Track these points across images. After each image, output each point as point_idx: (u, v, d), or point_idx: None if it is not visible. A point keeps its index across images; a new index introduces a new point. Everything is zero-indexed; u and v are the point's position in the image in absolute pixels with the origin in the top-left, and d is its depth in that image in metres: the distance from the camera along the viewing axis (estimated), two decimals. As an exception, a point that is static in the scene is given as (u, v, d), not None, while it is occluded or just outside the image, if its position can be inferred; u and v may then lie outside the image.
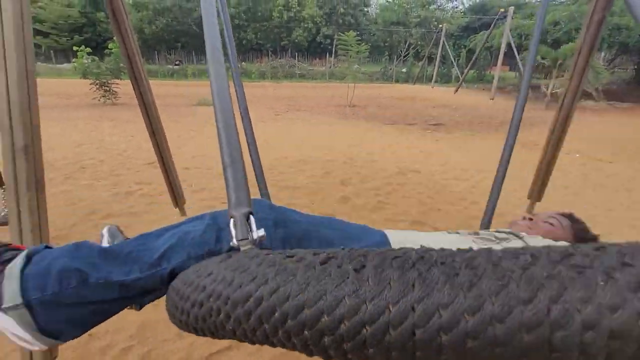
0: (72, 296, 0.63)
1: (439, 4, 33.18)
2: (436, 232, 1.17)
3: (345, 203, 3.44)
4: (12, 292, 0.59)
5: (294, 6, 29.22)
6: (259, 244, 0.56)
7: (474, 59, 16.75)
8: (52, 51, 27.20)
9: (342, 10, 30.40)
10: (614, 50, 17.13)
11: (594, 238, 1.22)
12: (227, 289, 0.47)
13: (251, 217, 0.58)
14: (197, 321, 0.53)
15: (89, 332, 1.70)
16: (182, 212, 3.06)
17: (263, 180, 1.70)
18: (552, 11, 16.42)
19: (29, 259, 0.64)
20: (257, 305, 0.43)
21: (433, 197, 3.66)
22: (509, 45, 14.53)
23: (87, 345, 1.68)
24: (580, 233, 1.19)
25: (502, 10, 14.03)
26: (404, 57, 26.66)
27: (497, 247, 0.52)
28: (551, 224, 1.20)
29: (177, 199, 2.97)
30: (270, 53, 29.54)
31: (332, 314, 0.39)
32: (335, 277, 0.41)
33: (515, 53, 14.93)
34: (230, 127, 0.78)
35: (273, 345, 0.46)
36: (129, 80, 2.40)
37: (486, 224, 1.66)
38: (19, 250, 0.68)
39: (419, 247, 0.52)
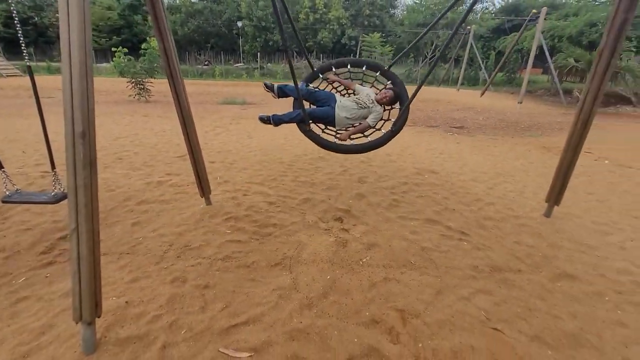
0: (278, 120, 3.12)
1: (468, 5, 32.25)
2: (349, 102, 3.16)
3: (360, 200, 3.56)
4: (271, 120, 3.16)
5: (320, 8, 29.45)
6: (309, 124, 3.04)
7: (502, 61, 16.23)
8: (93, 51, 28.89)
9: (367, 12, 30.29)
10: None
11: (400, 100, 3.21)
12: (307, 133, 3.05)
13: (309, 122, 3.02)
14: (304, 134, 3.05)
15: (125, 299, 1.91)
16: (208, 201, 3.30)
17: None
18: (590, 12, 15.67)
19: (273, 118, 3.15)
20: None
21: (449, 197, 3.69)
22: (540, 47, 14.02)
23: (124, 311, 1.90)
24: (397, 99, 3.20)
25: (534, 11, 13.54)
26: (430, 59, 26.21)
27: (360, 110, 3.16)
28: (387, 96, 3.16)
29: (204, 189, 3.20)
30: (295, 54, 29.92)
31: None
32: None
33: (547, 56, 14.36)
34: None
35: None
36: (161, 79, 2.65)
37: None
38: (269, 116, 3.17)
39: (342, 115, 3.15)
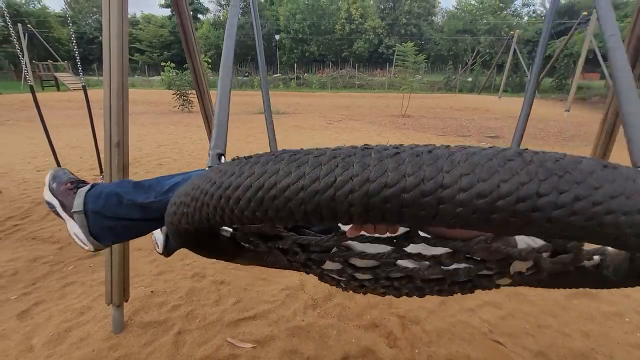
0: (111, 211, 0.95)
1: (513, 9, 30.91)
2: None
3: (378, 208, 3.61)
4: (78, 203, 0.97)
5: (356, 18, 29.82)
6: None
7: (548, 66, 15.30)
8: (146, 66, 31.71)
9: (404, 20, 30.11)
10: None
11: None
12: (208, 185, 0.49)
13: (222, 157, 0.85)
14: (186, 220, 0.55)
15: (151, 289, 2.16)
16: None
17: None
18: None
19: (92, 187, 1.03)
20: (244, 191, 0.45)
21: (469, 208, 3.62)
22: (594, 51, 13.05)
23: (149, 299, 2.15)
24: None
25: (584, 13, 12.66)
26: (471, 65, 25.33)
27: None
28: None
29: (228, 193, 3.45)
30: (331, 64, 30.50)
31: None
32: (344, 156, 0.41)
33: (600, 60, 13.34)
34: (225, 87, 1.03)
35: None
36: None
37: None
38: (87, 183, 1.08)
39: None
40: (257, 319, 2.04)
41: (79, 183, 1.06)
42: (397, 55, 12.21)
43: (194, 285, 2.33)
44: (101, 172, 2.87)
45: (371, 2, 32.00)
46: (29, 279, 2.39)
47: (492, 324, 2.01)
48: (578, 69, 12.09)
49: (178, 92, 11.57)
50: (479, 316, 2.07)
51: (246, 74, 28.91)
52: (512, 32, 19.71)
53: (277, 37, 29.77)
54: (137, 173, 4.63)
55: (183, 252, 2.73)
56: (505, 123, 9.66)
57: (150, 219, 0.98)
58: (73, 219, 0.97)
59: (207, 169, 0.73)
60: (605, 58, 13.82)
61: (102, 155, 2.89)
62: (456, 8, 33.47)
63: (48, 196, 1.06)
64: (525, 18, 30.60)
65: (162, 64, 12.23)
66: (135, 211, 0.96)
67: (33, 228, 3.10)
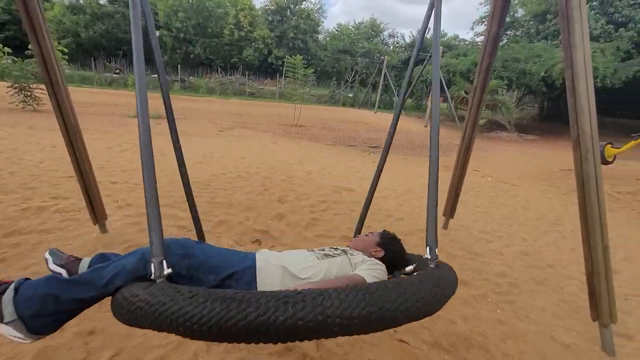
0: (49, 309, 1.08)
1: (382, 37, 36.08)
2: (295, 251, 1.63)
3: (280, 220, 3.52)
4: (9, 312, 1.03)
5: (245, 26, 29.51)
6: (168, 277, 1.02)
7: (409, 90, 18.39)
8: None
9: (292, 34, 31.43)
10: (521, 91, 20.12)
11: (401, 249, 1.95)
12: (144, 305, 0.94)
13: (164, 262, 1.03)
14: (127, 315, 0.99)
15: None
16: (103, 229, 2.87)
17: (192, 197, 2.20)
18: (475, 53, 18.91)
19: (16, 290, 1.07)
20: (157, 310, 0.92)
21: (364, 214, 3.90)
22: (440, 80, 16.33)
23: (-34, 379, 1.48)
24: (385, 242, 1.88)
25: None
26: (351, 83, 28.20)
27: (325, 259, 1.46)
28: (366, 235, 1.94)
29: (97, 214, 2.80)
30: (220, 69, 29.18)
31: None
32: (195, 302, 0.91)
33: (445, 87, 16.78)
34: (149, 156, 1.19)
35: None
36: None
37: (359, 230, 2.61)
38: (7, 283, 1.09)
39: (277, 264, 1.36)
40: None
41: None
42: (287, 66, 12.56)
43: (47, 344, 1.73)
44: None
45: (260, 13, 32.23)
46: None
47: (395, 324, 2.15)
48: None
49: (17, 86, 8.99)
50: (384, 318, 2.19)
51: (117, 71, 24.83)
52: (382, 58, 22.95)
53: (157, 33, 26.70)
54: (-56, 193, 3.29)
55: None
56: (382, 135, 11.03)
57: (85, 304, 1.17)
58: (9, 326, 1.04)
59: (152, 277, 1.02)
60: (448, 86, 17.49)
61: None
62: (337, 30, 36.93)
63: None
64: (391, 47, 36.12)
65: (-10, 46, 9.32)
66: (75, 304, 1.13)
67: None
